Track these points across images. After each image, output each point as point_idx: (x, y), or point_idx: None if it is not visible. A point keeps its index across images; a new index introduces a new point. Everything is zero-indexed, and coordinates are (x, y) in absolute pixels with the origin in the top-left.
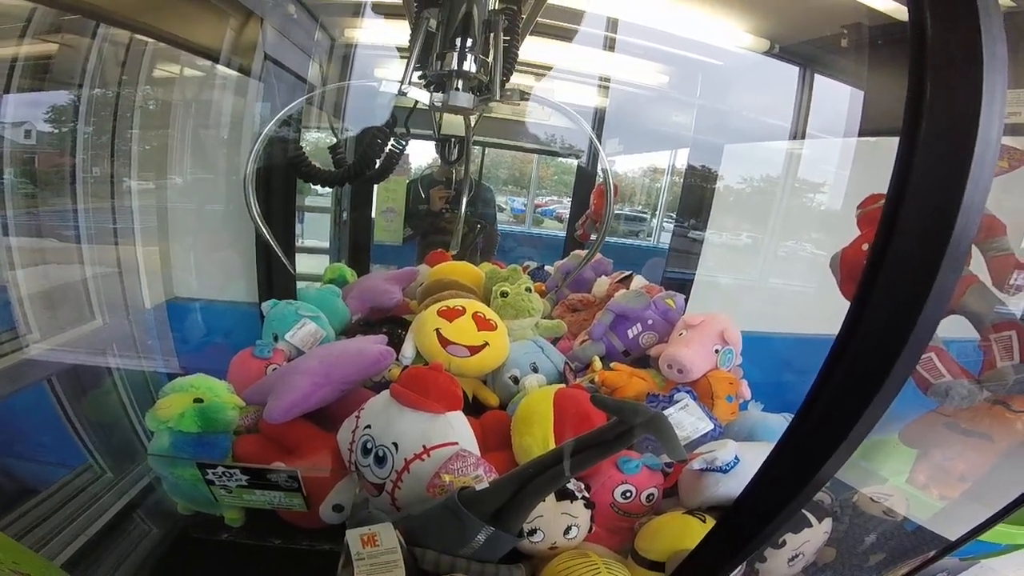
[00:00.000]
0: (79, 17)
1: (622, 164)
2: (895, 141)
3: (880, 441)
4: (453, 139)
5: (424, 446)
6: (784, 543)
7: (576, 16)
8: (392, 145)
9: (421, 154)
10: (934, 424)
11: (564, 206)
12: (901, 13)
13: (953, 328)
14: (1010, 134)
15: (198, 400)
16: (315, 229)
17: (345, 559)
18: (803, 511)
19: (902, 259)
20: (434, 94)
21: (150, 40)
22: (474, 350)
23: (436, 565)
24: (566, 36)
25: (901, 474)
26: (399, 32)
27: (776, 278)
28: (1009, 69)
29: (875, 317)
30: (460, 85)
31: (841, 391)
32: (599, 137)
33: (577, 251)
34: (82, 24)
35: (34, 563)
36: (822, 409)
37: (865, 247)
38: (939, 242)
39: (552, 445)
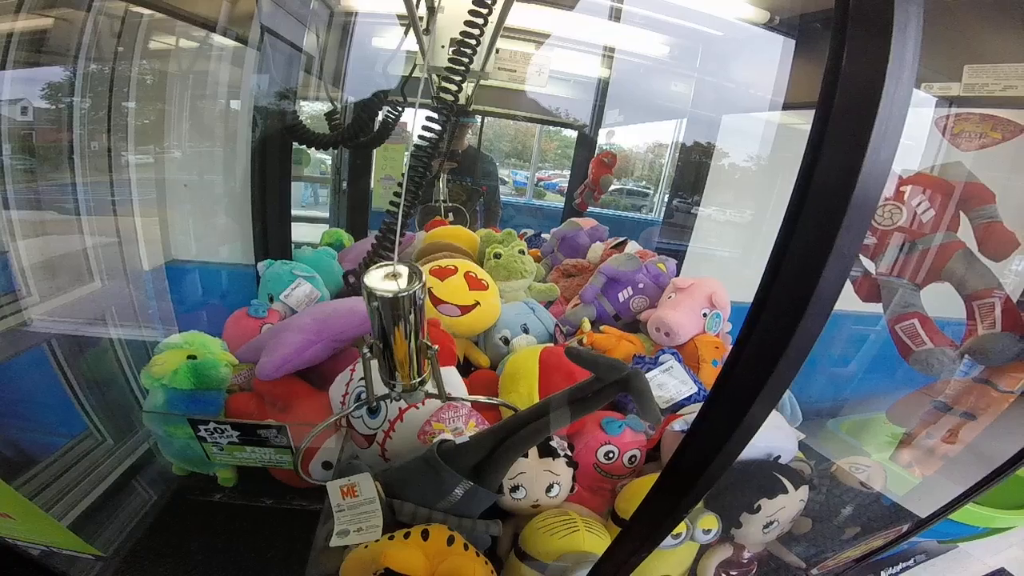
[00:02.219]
0: None
1: (626, 138)
2: None
3: (868, 420)
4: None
5: None
6: (759, 508)
7: None
8: (387, 112)
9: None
10: (920, 403)
11: (567, 179)
12: None
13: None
14: (1010, 107)
15: (192, 357)
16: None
17: (325, 514)
18: (780, 477)
19: (815, 213)
20: None
21: (145, 12)
22: (465, 309)
23: (413, 517)
24: (568, 4)
25: (886, 451)
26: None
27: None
28: (1008, 47)
29: (789, 268)
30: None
31: (764, 334)
32: (602, 108)
33: (573, 219)
34: None
35: (15, 503)
36: (750, 352)
37: None
38: (844, 196)
39: (537, 401)
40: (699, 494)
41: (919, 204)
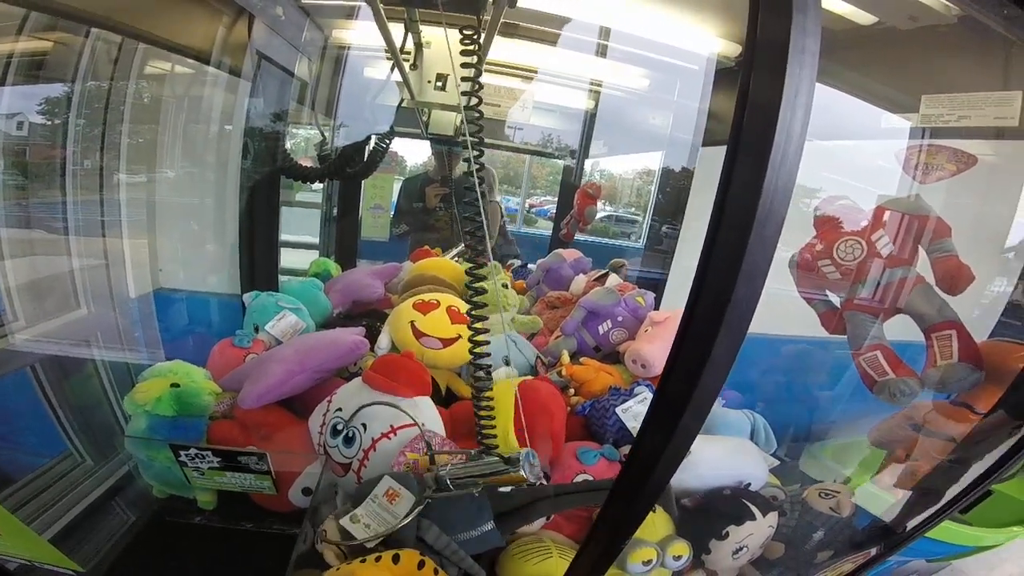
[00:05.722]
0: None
1: (615, 164)
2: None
3: (850, 443)
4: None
5: (392, 425)
6: (727, 535)
7: (558, 20)
8: (376, 143)
9: (413, 152)
10: (900, 426)
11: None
12: (865, 19)
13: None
14: (963, 137)
15: (175, 385)
16: (305, 225)
17: (302, 536)
18: (747, 504)
19: (727, 237)
20: None
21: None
22: (447, 342)
23: (435, 540)
24: (551, 40)
25: (868, 474)
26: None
27: None
28: (965, 75)
29: (709, 287)
30: None
31: (688, 353)
32: (588, 138)
33: (559, 250)
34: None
35: (7, 524)
36: (679, 368)
37: (819, 247)
38: (747, 219)
39: (511, 435)
40: (649, 498)
41: (879, 239)
